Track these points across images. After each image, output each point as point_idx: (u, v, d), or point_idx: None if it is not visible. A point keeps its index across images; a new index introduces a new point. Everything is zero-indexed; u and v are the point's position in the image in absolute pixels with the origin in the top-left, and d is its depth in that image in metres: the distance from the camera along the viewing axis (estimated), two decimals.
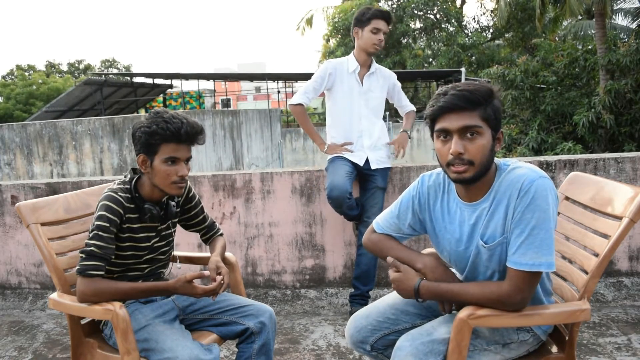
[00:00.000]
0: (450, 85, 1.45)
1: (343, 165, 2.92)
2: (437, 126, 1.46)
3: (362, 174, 3.03)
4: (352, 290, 3.03)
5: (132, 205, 1.79)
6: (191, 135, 1.73)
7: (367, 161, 3.00)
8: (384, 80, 3.11)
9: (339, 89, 3.04)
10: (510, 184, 1.45)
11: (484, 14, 33.66)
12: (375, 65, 3.07)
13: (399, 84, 3.22)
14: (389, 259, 1.61)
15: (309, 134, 3.22)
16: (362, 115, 3.03)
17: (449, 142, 1.44)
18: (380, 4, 25.13)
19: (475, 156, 1.42)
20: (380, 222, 1.76)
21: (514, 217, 1.42)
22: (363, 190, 3.05)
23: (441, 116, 1.44)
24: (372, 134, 3.04)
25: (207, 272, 1.76)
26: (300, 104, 3.07)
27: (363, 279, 2.97)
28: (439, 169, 1.65)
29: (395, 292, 1.65)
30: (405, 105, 3.31)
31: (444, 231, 1.61)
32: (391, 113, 24.31)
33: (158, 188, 1.78)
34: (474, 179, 1.45)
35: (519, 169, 1.46)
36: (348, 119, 3.04)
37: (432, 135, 1.50)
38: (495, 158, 1.52)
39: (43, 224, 1.91)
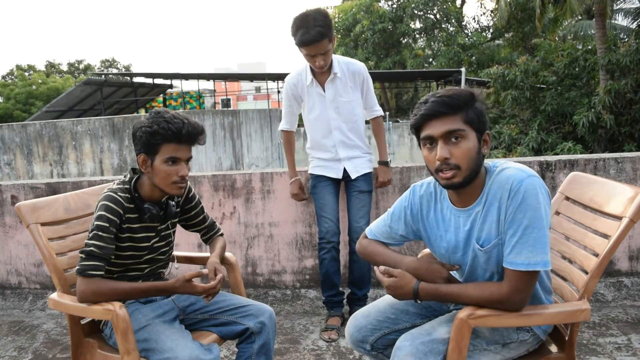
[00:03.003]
0: (430, 94, 1.48)
1: (327, 195, 2.88)
2: (422, 134, 1.48)
3: (344, 180, 2.95)
4: (349, 292, 3.03)
5: (131, 205, 1.79)
6: (192, 135, 1.73)
7: (345, 169, 2.90)
8: (353, 79, 2.78)
9: (306, 103, 2.88)
10: (500, 185, 1.45)
11: (484, 14, 33.71)
12: (337, 66, 2.74)
13: (369, 80, 2.85)
14: (381, 268, 1.59)
15: (287, 161, 3.09)
16: (332, 127, 2.82)
17: (435, 148, 1.45)
18: (380, 4, 25.13)
19: (462, 160, 1.43)
20: (373, 228, 1.78)
21: (507, 218, 1.43)
22: (347, 194, 2.95)
23: (424, 124, 1.46)
24: (347, 144, 2.85)
25: (205, 271, 1.77)
26: (284, 130, 3.01)
27: (358, 284, 2.96)
28: (430, 178, 1.66)
29: None
30: (372, 108, 2.92)
31: (440, 240, 1.61)
32: (391, 113, 24.34)
33: (158, 188, 1.78)
34: (464, 183, 1.46)
35: (508, 169, 1.47)
36: (320, 133, 2.88)
37: (419, 145, 1.52)
38: (485, 160, 1.53)
39: (43, 224, 1.91)
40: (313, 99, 2.82)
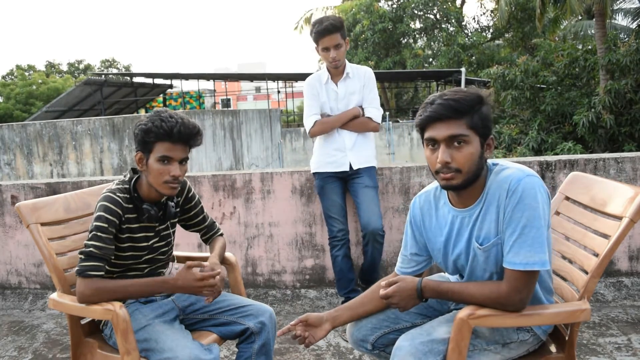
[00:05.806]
0: (437, 94, 1.47)
1: (334, 196, 2.95)
2: (426, 135, 1.48)
3: (348, 180, 3.00)
4: (360, 290, 3.04)
5: (130, 206, 1.79)
6: (184, 135, 1.72)
7: (351, 165, 2.96)
8: (360, 79, 3.02)
9: (320, 99, 3.01)
10: (499, 185, 1.46)
11: (484, 14, 33.67)
12: (349, 68, 2.99)
13: (372, 82, 3.02)
14: (382, 283, 1.58)
15: (345, 119, 2.95)
16: None
17: (437, 150, 1.45)
18: (380, 4, 25.12)
19: (463, 164, 1.43)
20: (397, 265, 1.77)
21: (505, 217, 1.43)
22: (353, 193, 2.99)
23: (429, 125, 1.46)
24: (353, 135, 2.97)
25: (206, 263, 1.78)
26: (315, 122, 2.95)
27: (369, 284, 2.98)
28: (428, 187, 1.68)
29: None
30: (367, 108, 2.99)
31: (442, 245, 1.61)
32: (391, 113, 24.33)
33: (153, 187, 1.78)
34: (463, 186, 1.47)
35: (507, 169, 1.47)
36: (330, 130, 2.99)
37: (422, 143, 1.52)
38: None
39: (43, 224, 1.91)
40: (327, 95, 3.02)
